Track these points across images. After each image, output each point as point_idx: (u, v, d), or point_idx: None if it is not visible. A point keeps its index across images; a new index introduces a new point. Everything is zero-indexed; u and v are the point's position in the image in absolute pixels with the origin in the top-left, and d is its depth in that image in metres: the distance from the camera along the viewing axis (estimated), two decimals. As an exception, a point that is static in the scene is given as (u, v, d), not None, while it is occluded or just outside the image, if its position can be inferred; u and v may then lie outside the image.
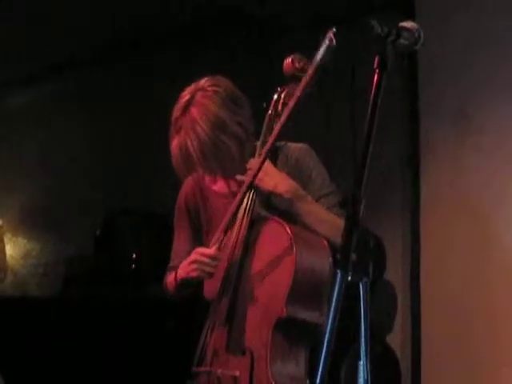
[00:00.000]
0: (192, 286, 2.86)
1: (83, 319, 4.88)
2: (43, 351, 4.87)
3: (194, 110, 2.77)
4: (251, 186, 2.75)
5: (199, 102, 2.78)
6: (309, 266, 2.65)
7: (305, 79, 2.64)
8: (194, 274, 2.77)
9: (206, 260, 2.74)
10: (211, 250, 2.75)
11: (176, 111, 2.82)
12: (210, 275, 2.76)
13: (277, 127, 2.73)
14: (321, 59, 2.60)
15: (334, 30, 2.58)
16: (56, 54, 6.05)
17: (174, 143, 2.80)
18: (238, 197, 2.75)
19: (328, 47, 2.59)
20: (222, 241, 2.76)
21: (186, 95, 2.82)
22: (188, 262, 2.80)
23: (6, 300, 5.27)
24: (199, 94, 2.79)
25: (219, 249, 2.75)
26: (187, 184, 3.02)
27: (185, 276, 2.81)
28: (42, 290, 6.35)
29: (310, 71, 2.63)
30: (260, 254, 2.72)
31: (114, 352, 4.75)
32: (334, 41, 2.57)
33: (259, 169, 2.72)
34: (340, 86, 4.99)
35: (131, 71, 6.06)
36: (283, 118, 2.72)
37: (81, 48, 6.02)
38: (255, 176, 2.73)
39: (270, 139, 2.74)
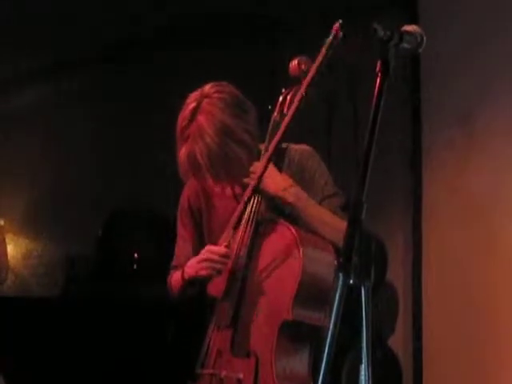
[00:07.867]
0: (199, 284, 2.84)
1: (85, 319, 4.88)
2: (45, 351, 4.87)
3: (201, 118, 2.74)
4: (257, 189, 2.75)
5: (206, 110, 2.74)
6: (315, 269, 2.66)
7: (311, 73, 2.64)
8: (204, 273, 2.77)
9: (217, 258, 2.74)
10: (222, 248, 2.75)
11: (182, 120, 2.78)
12: (220, 273, 2.76)
13: (281, 130, 2.73)
14: (327, 51, 2.59)
15: (340, 21, 2.57)
16: (60, 52, 6.06)
17: (182, 152, 2.77)
18: (244, 198, 2.75)
19: (334, 39, 2.58)
20: (231, 239, 2.76)
21: (191, 103, 2.78)
22: (198, 260, 2.79)
23: (8, 300, 5.26)
24: (205, 101, 2.76)
25: (228, 246, 2.75)
26: (190, 184, 3.01)
27: (194, 274, 2.80)
28: (43, 290, 6.34)
29: (317, 63, 2.62)
30: (266, 256, 2.72)
31: (116, 352, 4.75)
32: (341, 33, 2.56)
33: (263, 172, 2.72)
34: (343, 89, 4.99)
35: (135, 70, 6.07)
36: (288, 117, 2.71)
37: (86, 47, 6.03)
38: (260, 179, 2.73)
39: (273, 142, 2.74)
